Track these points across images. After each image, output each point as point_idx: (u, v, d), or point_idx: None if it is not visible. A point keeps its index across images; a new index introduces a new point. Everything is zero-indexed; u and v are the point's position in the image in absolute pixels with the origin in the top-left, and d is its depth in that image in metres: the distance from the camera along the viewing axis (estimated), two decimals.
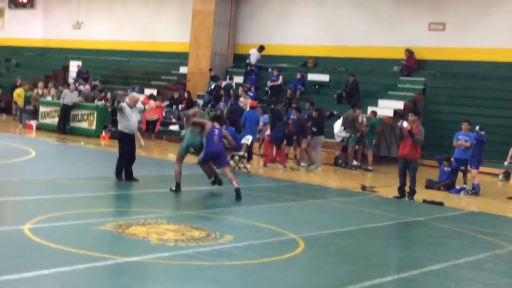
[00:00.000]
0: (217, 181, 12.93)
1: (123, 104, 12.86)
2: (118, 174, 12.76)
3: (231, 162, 16.82)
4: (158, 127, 23.91)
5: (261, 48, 26.86)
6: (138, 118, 13.19)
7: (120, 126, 12.89)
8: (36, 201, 10.41)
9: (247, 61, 26.81)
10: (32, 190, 11.36)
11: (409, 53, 23.83)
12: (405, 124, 13.71)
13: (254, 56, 26.73)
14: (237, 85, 25.80)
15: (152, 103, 22.51)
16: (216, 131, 12.37)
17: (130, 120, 12.73)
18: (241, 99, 22.12)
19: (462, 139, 16.29)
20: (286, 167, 18.35)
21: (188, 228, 8.95)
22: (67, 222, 8.92)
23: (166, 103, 25.82)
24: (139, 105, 13.45)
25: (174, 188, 12.07)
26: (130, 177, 12.85)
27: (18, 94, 25.70)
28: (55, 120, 23.42)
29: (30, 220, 8.54)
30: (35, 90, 25.97)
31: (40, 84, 26.28)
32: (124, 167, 12.83)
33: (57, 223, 8.76)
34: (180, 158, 12.52)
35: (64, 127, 22.91)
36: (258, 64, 26.78)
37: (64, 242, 7.53)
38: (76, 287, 6.05)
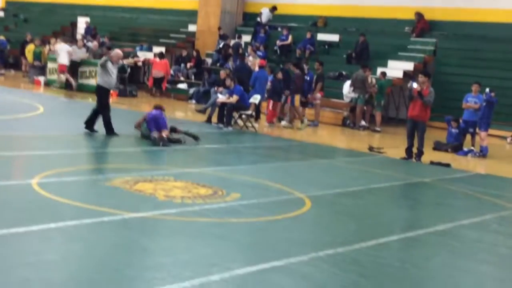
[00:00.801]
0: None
1: (106, 60, 13.01)
2: (110, 129, 12.80)
3: (239, 121, 16.83)
4: (165, 84, 23.84)
5: (273, 8, 26.57)
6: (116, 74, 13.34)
7: (100, 81, 12.93)
8: (44, 156, 10.46)
9: (258, 20, 26.55)
10: (40, 145, 11.40)
11: (419, 16, 23.52)
12: (415, 85, 13.60)
13: (265, 15, 26.45)
14: (246, 44, 25.60)
15: (130, 59, 22.83)
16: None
17: (111, 76, 12.90)
18: (250, 58, 21.97)
19: (472, 101, 16.19)
20: (274, 123, 18.22)
21: (195, 185, 8.99)
22: (74, 177, 8.98)
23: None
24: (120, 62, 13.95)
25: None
26: (91, 127, 12.86)
27: (29, 50, 25.59)
28: (63, 76, 23.32)
29: (38, 174, 8.59)
30: (47, 46, 25.84)
31: (53, 40, 26.13)
32: (91, 117, 12.85)
33: (65, 178, 8.81)
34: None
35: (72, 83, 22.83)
36: (269, 24, 26.53)
37: (72, 197, 7.58)
38: (83, 241, 6.11)
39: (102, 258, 5.68)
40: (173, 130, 13.25)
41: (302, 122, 18.54)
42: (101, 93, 12.93)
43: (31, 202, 7.31)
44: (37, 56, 25.04)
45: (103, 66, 12.82)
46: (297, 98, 18.70)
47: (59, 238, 6.12)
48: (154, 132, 12.54)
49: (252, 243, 6.64)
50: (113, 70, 12.93)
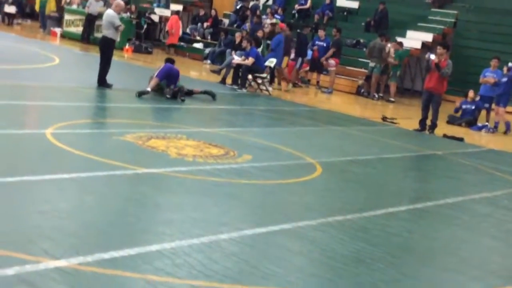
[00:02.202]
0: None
1: (114, 13, 13.05)
2: (104, 81, 12.79)
3: (253, 84, 16.76)
4: (171, 40, 23.53)
5: None
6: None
7: (109, 34, 12.91)
8: (59, 107, 10.49)
9: None
10: (55, 96, 11.43)
11: None
12: (432, 56, 13.46)
13: None
14: (265, 6, 25.36)
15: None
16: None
17: (117, 30, 12.94)
18: (267, 20, 21.75)
19: (490, 76, 16.02)
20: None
21: (207, 145, 9.01)
22: (88, 129, 9.02)
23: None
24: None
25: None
26: (104, 82, 12.88)
27: (40, 0, 25.51)
28: (79, 29, 23.27)
29: (52, 125, 8.63)
30: None
31: None
32: (101, 73, 12.89)
33: (79, 130, 8.85)
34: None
35: (88, 36, 22.78)
36: None
37: (85, 149, 7.62)
38: (96, 192, 6.16)
39: (114, 210, 5.73)
40: (190, 92, 13.29)
41: (288, 84, 18.33)
42: (107, 44, 12.93)
43: (44, 151, 7.36)
44: (43, 5, 24.92)
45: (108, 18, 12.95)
46: (285, 60, 18.53)
47: (72, 188, 6.18)
48: (166, 90, 12.59)
49: (262, 205, 6.68)
50: (118, 21, 12.98)
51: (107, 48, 12.86)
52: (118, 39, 13.27)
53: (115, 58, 12.64)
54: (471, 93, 16.41)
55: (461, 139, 13.46)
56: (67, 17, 24.09)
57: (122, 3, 13.61)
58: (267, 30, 20.02)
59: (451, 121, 16.03)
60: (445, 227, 6.94)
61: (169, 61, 13.61)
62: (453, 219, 7.31)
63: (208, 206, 6.24)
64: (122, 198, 6.12)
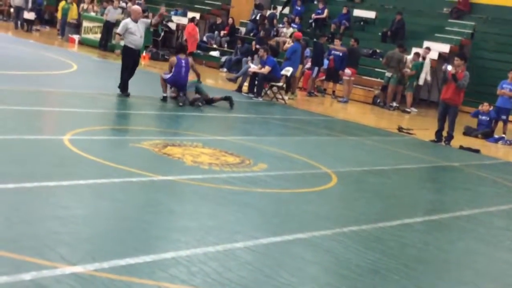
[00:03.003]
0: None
1: (126, 20, 12.97)
2: (122, 89, 12.76)
3: (269, 92, 16.79)
4: (190, 48, 23.57)
5: None
6: (142, 32, 12.77)
7: (125, 41, 12.70)
8: (76, 114, 10.57)
9: None
10: (72, 103, 11.52)
11: None
12: (449, 67, 13.41)
13: None
14: (282, 15, 25.42)
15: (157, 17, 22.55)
16: (183, 62, 12.96)
17: (134, 35, 12.53)
18: (284, 29, 21.81)
19: (507, 88, 15.94)
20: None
21: (223, 153, 9.03)
22: (105, 136, 9.08)
23: None
24: (145, 19, 13.49)
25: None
26: (125, 91, 12.87)
27: (61, 7, 25.77)
28: (97, 36, 23.47)
29: (70, 131, 8.70)
30: (81, 5, 25.99)
31: None
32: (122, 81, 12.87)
33: (96, 136, 8.91)
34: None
35: (106, 43, 22.96)
36: None
37: (102, 155, 7.67)
38: (112, 198, 6.20)
39: (130, 217, 5.76)
40: (210, 101, 13.38)
41: (292, 93, 18.30)
42: (125, 52, 12.74)
43: (62, 157, 7.41)
44: (65, 12, 25.17)
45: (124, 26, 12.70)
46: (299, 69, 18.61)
47: (89, 194, 6.22)
48: (179, 98, 12.72)
49: (277, 214, 6.68)
50: (134, 28, 12.52)
51: (124, 56, 12.85)
52: (134, 44, 12.68)
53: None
54: (485, 106, 16.33)
55: (477, 151, 13.38)
56: (85, 24, 24.30)
57: (138, 8, 13.23)
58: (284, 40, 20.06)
59: (468, 132, 15.95)
60: (460, 239, 6.90)
61: (180, 49, 13.58)
62: (469, 231, 7.27)
63: (223, 214, 6.25)
64: (138, 205, 6.15)
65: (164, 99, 13.03)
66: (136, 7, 13.20)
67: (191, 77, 13.49)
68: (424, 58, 19.36)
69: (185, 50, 13.90)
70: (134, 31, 12.49)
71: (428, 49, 19.95)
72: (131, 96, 12.83)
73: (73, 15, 25.20)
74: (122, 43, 12.95)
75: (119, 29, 12.85)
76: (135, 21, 12.59)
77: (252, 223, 6.17)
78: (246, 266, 4.98)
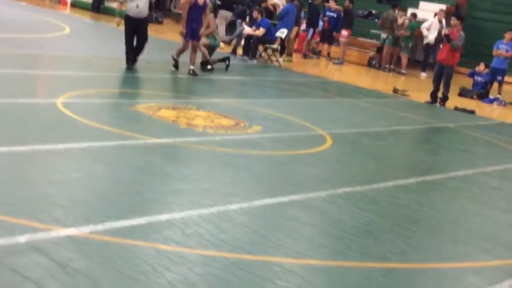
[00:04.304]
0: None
1: None
2: (126, 59, 11.92)
3: (264, 54, 16.68)
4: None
5: None
6: (144, 2, 11.79)
7: (126, 8, 11.96)
8: (69, 77, 10.50)
9: None
10: (65, 66, 11.43)
11: None
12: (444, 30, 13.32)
13: None
14: None
15: None
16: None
17: (131, 3, 11.75)
18: None
19: (503, 48, 15.85)
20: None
21: (217, 115, 9.00)
22: (99, 99, 9.03)
23: None
24: None
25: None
26: (135, 56, 12.08)
27: None
28: None
29: (63, 94, 8.64)
30: None
31: None
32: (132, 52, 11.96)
33: (90, 99, 8.86)
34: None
35: (99, 6, 22.70)
36: None
37: (96, 119, 7.64)
38: (106, 162, 6.19)
39: (124, 179, 5.75)
40: (205, 63, 13.23)
41: (288, 55, 18.17)
42: (125, 21, 11.91)
43: (55, 121, 7.38)
44: None
45: None
46: (294, 30, 18.41)
47: (83, 158, 6.20)
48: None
49: (272, 176, 6.68)
50: None
51: (124, 24, 11.94)
52: (132, 13, 11.72)
53: (123, 28, 12.15)
54: (481, 66, 16.28)
55: (472, 112, 13.38)
56: None
57: None
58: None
59: (463, 93, 15.92)
60: (454, 199, 6.95)
61: None
62: (463, 191, 7.31)
63: (218, 177, 6.25)
64: (132, 168, 6.14)
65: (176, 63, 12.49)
66: None
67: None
68: (440, 22, 18.78)
69: None
70: None
71: (414, 15, 19.59)
72: (124, 59, 12.65)
73: None
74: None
75: None
76: None
77: (246, 185, 6.18)
78: (240, 228, 5.00)
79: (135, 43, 11.92)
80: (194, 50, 12.38)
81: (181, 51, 12.52)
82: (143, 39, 11.94)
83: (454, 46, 13.20)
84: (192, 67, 12.26)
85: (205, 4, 12.28)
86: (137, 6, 11.68)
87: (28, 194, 4.96)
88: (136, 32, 11.82)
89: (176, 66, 12.50)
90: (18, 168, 5.59)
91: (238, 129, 8.37)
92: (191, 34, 12.25)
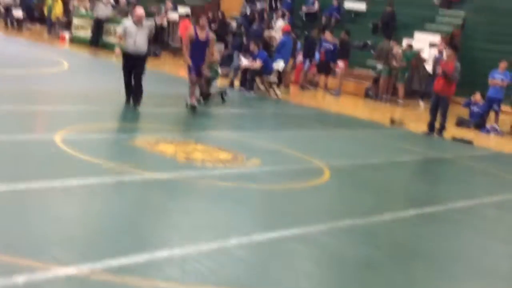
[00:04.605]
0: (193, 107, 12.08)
1: (126, 21, 11.80)
2: (126, 96, 11.51)
3: (261, 86, 16.76)
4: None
5: None
6: (142, 37, 11.34)
7: (124, 44, 11.47)
8: (67, 112, 10.52)
9: None
10: (64, 101, 11.47)
11: None
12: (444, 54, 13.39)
13: None
14: (272, 9, 25.36)
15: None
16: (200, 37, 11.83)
17: (130, 38, 11.24)
18: (278, 23, 21.76)
19: (498, 78, 15.96)
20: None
21: (216, 149, 9.01)
22: (97, 134, 9.03)
23: None
24: (149, 23, 12.07)
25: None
26: (134, 102, 11.49)
27: (48, 4, 25.65)
28: (88, 33, 23.34)
29: (61, 130, 8.65)
30: (71, 3, 25.87)
31: None
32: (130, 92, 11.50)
33: (88, 135, 8.87)
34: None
35: (97, 40, 22.85)
36: None
37: (94, 154, 7.64)
38: (105, 198, 6.18)
39: (122, 215, 5.74)
40: (206, 95, 13.15)
41: (285, 87, 18.22)
42: (122, 56, 11.49)
43: (53, 157, 7.38)
44: (50, 9, 25.09)
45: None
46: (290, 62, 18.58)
47: (81, 194, 6.19)
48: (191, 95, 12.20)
49: (271, 209, 6.67)
50: (133, 31, 11.24)
51: (122, 60, 11.60)
52: (128, 50, 11.32)
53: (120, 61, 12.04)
54: (477, 96, 16.37)
55: (470, 142, 13.40)
56: (75, 21, 24.16)
57: (139, 11, 11.50)
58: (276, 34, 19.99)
59: (460, 123, 15.97)
60: (454, 231, 6.91)
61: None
62: (463, 223, 7.28)
63: (217, 211, 6.24)
64: (130, 204, 6.13)
65: (193, 109, 11.97)
66: (139, 10, 11.59)
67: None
68: (440, 52, 18.77)
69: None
70: (131, 34, 11.25)
71: (410, 46, 19.72)
72: (121, 93, 12.63)
73: (57, 12, 25.05)
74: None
75: (118, 31, 11.91)
76: (136, 24, 11.33)
77: (246, 219, 6.16)
78: (240, 263, 4.98)
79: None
80: (194, 85, 12.19)
81: (192, 92, 12.10)
82: (139, 77, 11.48)
83: (453, 79, 13.28)
84: (191, 102, 11.99)
85: (207, 39, 11.93)
86: (134, 43, 11.25)
87: (26, 233, 4.94)
88: (133, 69, 11.41)
89: (194, 110, 11.97)
90: (16, 206, 5.57)
91: (237, 163, 8.37)
92: (195, 70, 11.96)
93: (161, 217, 5.87)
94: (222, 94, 13.72)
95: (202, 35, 11.89)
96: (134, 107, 11.41)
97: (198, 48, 11.90)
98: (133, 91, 11.50)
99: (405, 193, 8.56)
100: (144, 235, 5.30)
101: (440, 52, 18.47)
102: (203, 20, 11.99)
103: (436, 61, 13.68)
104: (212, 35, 12.25)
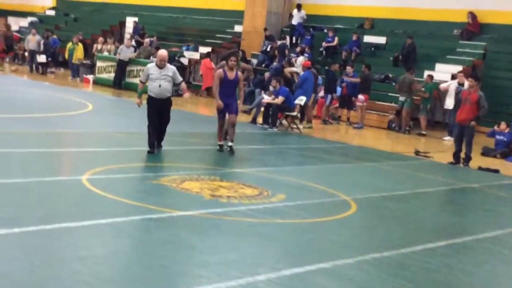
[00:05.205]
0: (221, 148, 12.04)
1: (149, 65, 11.37)
2: (148, 144, 10.90)
3: (284, 122, 16.82)
4: (205, 84, 23.63)
5: (298, 7, 26.44)
6: (166, 80, 10.92)
7: (148, 88, 11.02)
8: (93, 153, 10.66)
9: (292, 22, 26.54)
10: (89, 142, 11.62)
11: (472, 16, 23.10)
12: (466, 85, 13.34)
13: (296, 16, 26.40)
14: (293, 45, 25.61)
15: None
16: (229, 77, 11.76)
17: (153, 83, 10.85)
18: (300, 58, 21.93)
19: None
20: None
21: (241, 185, 9.03)
22: (123, 174, 9.12)
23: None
24: (172, 66, 11.40)
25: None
26: (158, 146, 11.12)
27: (68, 48, 26.19)
28: (111, 75, 23.74)
29: (88, 171, 8.76)
30: (94, 46, 26.40)
31: (100, 39, 26.64)
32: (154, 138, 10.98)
33: (114, 175, 8.96)
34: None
35: (120, 82, 23.22)
36: (305, 23, 26.36)
37: (121, 194, 7.70)
38: (132, 237, 6.21)
39: (150, 254, 5.76)
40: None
41: (308, 122, 18.20)
42: (147, 102, 11.06)
43: (81, 197, 7.45)
44: (71, 52, 25.61)
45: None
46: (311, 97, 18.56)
47: (109, 233, 6.23)
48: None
49: (298, 244, 6.64)
50: (156, 74, 10.83)
51: (147, 105, 11.12)
52: (153, 93, 10.89)
53: (144, 101, 11.91)
54: (503, 125, 16.25)
55: (496, 171, 13.26)
56: (99, 64, 24.60)
57: (160, 53, 11.16)
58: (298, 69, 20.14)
59: (486, 153, 15.83)
60: (486, 262, 6.81)
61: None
62: (493, 253, 7.17)
63: (244, 247, 6.23)
64: (158, 242, 6.15)
65: (221, 148, 12.00)
66: (162, 52, 11.21)
67: None
68: (461, 84, 18.54)
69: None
70: (155, 77, 10.85)
71: (431, 77, 19.66)
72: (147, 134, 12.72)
73: (78, 55, 25.54)
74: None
75: (141, 76, 11.38)
76: (160, 66, 10.92)
77: (273, 255, 6.14)
78: None
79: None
80: (232, 125, 11.84)
81: (220, 132, 12.09)
82: (165, 122, 11.15)
83: (484, 109, 13.28)
84: (230, 144, 11.77)
85: (236, 79, 11.81)
86: (159, 86, 10.81)
87: (55, 273, 4.98)
88: (159, 114, 10.94)
89: (221, 149, 11.95)
90: (45, 247, 5.62)
91: (262, 198, 8.38)
92: (224, 111, 11.88)
93: (189, 254, 5.88)
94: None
95: (231, 75, 11.81)
96: (157, 148, 11.04)
97: (228, 87, 11.85)
98: (157, 137, 11.07)
99: (432, 223, 8.47)
100: (172, 273, 5.30)
101: (460, 84, 18.33)
102: (232, 61, 11.75)
103: (458, 92, 13.61)
104: (241, 74, 12.08)
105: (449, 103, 18.46)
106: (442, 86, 19.08)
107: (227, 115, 12.01)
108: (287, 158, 12.75)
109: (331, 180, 10.32)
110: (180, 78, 11.35)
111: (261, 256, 6.02)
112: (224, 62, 12.30)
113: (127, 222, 6.64)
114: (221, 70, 11.98)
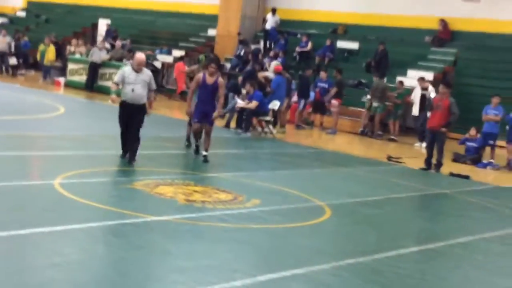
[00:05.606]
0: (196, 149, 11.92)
1: (125, 68, 10.74)
2: (122, 148, 10.51)
3: (257, 127, 16.82)
4: (179, 87, 23.55)
5: (273, 11, 26.46)
6: (141, 85, 10.21)
7: (122, 92, 10.43)
8: (66, 157, 10.53)
9: (266, 27, 26.57)
10: (62, 146, 11.47)
11: (443, 23, 23.40)
12: (432, 95, 13.55)
13: (270, 20, 26.43)
14: (266, 49, 25.64)
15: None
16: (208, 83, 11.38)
17: (127, 86, 10.17)
18: (273, 62, 21.96)
19: (491, 113, 16.09)
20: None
21: (215, 190, 9.01)
22: (96, 178, 9.03)
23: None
24: (148, 71, 10.67)
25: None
26: (130, 158, 10.33)
27: (40, 50, 25.88)
28: (83, 78, 23.50)
29: (60, 175, 8.64)
30: (67, 48, 26.12)
31: (74, 41, 26.37)
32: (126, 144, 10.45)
33: (87, 179, 8.86)
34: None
35: (92, 84, 23.00)
36: (279, 28, 26.40)
37: (94, 198, 7.62)
38: (107, 242, 6.15)
39: (125, 259, 5.70)
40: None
41: (281, 127, 18.29)
42: (119, 105, 10.42)
43: (54, 202, 7.36)
44: (43, 54, 25.31)
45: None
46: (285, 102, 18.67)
47: (83, 239, 6.16)
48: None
49: (273, 249, 6.64)
50: (132, 78, 10.16)
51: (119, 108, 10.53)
52: (127, 98, 10.21)
53: (117, 105, 11.56)
54: (472, 131, 16.48)
55: (467, 177, 13.43)
56: (70, 66, 24.33)
57: (138, 56, 10.52)
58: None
59: (456, 159, 16.02)
60: (458, 267, 6.90)
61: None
62: (465, 259, 7.26)
63: (220, 253, 6.21)
64: (132, 247, 6.09)
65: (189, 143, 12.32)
66: (140, 55, 10.52)
67: None
68: (425, 89, 18.82)
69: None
70: (130, 81, 10.15)
71: (422, 79, 19.85)
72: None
73: (50, 57, 25.25)
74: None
75: (115, 77, 10.61)
76: (137, 71, 10.28)
77: (249, 261, 6.13)
78: None
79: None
80: (207, 135, 11.38)
81: (188, 135, 12.27)
82: (136, 130, 10.32)
83: (455, 115, 13.46)
84: (205, 153, 11.38)
85: (216, 84, 11.34)
86: (132, 91, 10.13)
87: (29, 280, 4.90)
88: (130, 120, 10.25)
89: (189, 146, 12.24)
90: (18, 252, 5.54)
91: (237, 203, 8.36)
92: (199, 116, 11.37)
93: (164, 260, 5.84)
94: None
95: (210, 80, 11.38)
96: (129, 163, 10.23)
97: (206, 93, 11.42)
98: (129, 145, 10.34)
99: (406, 229, 8.55)
100: (148, 278, 5.25)
101: (425, 89, 18.58)
102: (212, 68, 11.41)
103: (429, 99, 13.77)
104: (221, 80, 11.57)
105: (415, 110, 18.84)
106: (409, 98, 19.36)
107: (198, 125, 11.45)
108: (261, 163, 12.76)
109: (305, 185, 10.34)
110: (154, 86, 10.65)
111: (237, 261, 6.00)
112: (196, 66, 12.21)
113: (101, 227, 6.57)
114: (201, 74, 11.69)
